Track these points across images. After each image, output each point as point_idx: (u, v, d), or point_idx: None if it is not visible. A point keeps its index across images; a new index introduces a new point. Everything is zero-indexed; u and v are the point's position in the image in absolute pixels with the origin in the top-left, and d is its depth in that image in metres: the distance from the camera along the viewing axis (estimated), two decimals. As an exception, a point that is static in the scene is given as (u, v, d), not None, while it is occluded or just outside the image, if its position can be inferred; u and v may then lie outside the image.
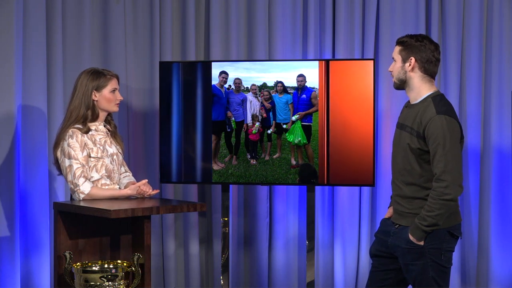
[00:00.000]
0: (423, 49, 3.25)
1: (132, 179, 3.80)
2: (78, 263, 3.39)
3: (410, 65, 3.26)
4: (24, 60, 4.34)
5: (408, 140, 3.23)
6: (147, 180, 3.63)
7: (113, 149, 3.70)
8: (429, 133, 3.15)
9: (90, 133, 3.62)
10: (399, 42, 3.32)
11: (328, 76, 4.25)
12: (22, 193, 4.32)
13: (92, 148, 3.59)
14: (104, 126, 3.72)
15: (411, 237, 3.20)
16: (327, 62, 4.28)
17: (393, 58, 3.34)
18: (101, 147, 3.63)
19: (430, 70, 3.26)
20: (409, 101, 3.34)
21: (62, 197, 4.46)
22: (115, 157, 3.70)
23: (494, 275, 4.81)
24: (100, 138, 3.65)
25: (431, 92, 3.26)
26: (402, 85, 3.32)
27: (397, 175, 3.32)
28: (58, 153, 3.58)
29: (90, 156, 3.58)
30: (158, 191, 3.67)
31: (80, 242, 3.51)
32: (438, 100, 3.22)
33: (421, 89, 3.27)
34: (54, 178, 4.42)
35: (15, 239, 4.23)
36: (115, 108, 3.71)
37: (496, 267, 4.81)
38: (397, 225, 3.31)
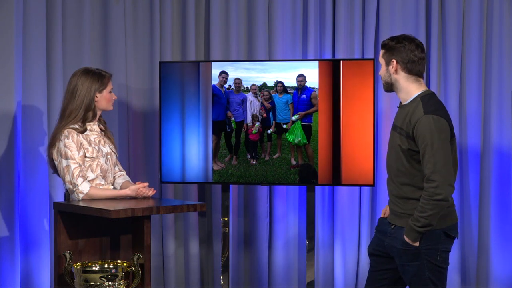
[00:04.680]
0: (402, 49, 3.24)
1: (127, 178, 3.79)
2: (78, 263, 3.39)
3: (393, 67, 3.27)
4: (24, 60, 4.34)
5: (399, 142, 3.24)
6: (147, 184, 3.62)
7: (107, 148, 3.70)
8: (417, 133, 3.15)
9: (85, 132, 3.62)
10: (382, 46, 3.34)
11: (328, 76, 4.25)
12: (22, 193, 4.32)
13: (88, 148, 3.59)
14: (98, 125, 3.71)
15: (406, 239, 3.20)
16: (327, 62, 4.28)
17: (379, 62, 3.36)
18: (96, 147, 3.63)
19: (414, 70, 3.25)
20: (401, 102, 3.35)
21: (62, 197, 4.44)
22: (109, 156, 3.70)
23: (494, 275, 4.81)
24: (94, 138, 3.65)
25: (420, 92, 3.26)
26: (390, 87, 3.33)
27: (392, 176, 3.33)
28: (54, 154, 3.58)
29: (85, 156, 3.58)
30: (155, 191, 3.66)
31: (80, 242, 3.51)
32: (427, 99, 3.22)
33: (409, 89, 3.27)
34: (53, 178, 4.42)
35: (15, 239, 4.23)
36: (111, 107, 3.73)
37: (496, 267, 4.81)
38: (393, 226, 3.31)
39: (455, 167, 3.24)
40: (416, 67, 3.25)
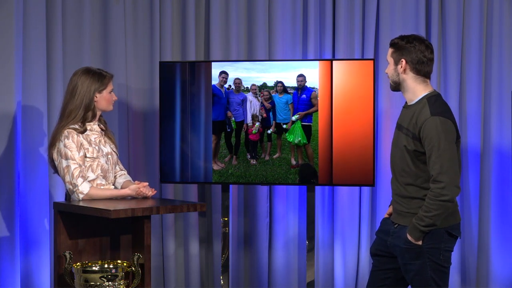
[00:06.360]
0: (413, 50, 3.25)
1: (128, 177, 3.79)
2: (78, 263, 3.39)
3: (401, 67, 3.27)
4: (24, 60, 4.34)
5: (405, 142, 3.24)
6: (147, 183, 3.63)
7: (107, 148, 3.70)
8: (424, 134, 3.15)
9: (85, 133, 3.61)
10: (391, 44, 3.34)
11: (328, 76, 4.25)
12: (22, 193, 4.32)
13: (88, 148, 3.59)
14: (98, 125, 3.71)
15: (409, 237, 3.20)
16: (327, 62, 4.28)
17: (387, 60, 3.35)
18: (96, 147, 3.63)
19: (422, 70, 3.26)
20: (406, 102, 3.35)
21: (62, 197, 4.45)
22: (109, 156, 3.70)
23: (494, 275, 4.81)
24: (95, 138, 3.65)
25: (427, 93, 3.27)
26: (397, 87, 3.33)
27: (396, 175, 3.33)
28: (55, 154, 3.58)
29: (86, 156, 3.58)
30: (156, 191, 3.67)
31: (80, 242, 3.51)
32: (433, 100, 3.22)
33: (415, 90, 3.28)
34: (53, 178, 4.42)
35: (15, 239, 4.23)
36: (111, 108, 3.73)
37: (496, 267, 4.81)
38: (396, 225, 3.32)
39: (459, 169, 3.25)
40: (425, 68, 3.26)
